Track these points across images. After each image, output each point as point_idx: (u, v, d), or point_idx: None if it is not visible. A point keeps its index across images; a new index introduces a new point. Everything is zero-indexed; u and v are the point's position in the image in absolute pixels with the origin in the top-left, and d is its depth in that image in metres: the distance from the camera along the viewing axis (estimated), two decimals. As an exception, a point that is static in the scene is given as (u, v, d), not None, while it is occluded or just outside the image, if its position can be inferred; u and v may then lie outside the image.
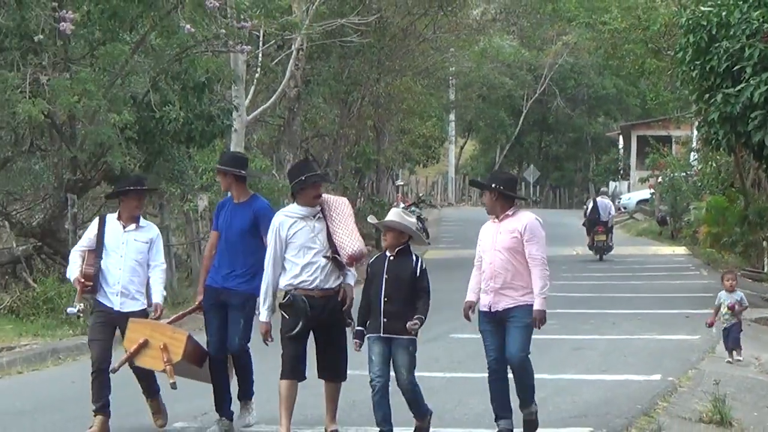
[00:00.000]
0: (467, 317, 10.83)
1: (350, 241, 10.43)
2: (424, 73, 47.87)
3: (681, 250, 40.26)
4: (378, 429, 10.43)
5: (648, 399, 13.42)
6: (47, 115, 19.98)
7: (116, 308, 10.88)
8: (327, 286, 10.40)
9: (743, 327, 17.20)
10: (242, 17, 22.92)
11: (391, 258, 10.37)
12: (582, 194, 70.87)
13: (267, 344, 10.64)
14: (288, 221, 10.43)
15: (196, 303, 11.44)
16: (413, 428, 10.53)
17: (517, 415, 10.93)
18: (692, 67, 26.19)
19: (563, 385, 14.59)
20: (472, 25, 50.05)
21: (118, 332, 11.01)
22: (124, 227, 11.10)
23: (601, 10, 51.87)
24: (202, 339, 11.31)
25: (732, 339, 16.36)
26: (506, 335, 10.63)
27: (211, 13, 22.04)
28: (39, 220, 22.85)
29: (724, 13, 25.23)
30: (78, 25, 19.78)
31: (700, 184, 42.93)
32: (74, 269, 11.05)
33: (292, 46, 30.25)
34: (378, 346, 10.22)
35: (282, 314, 10.43)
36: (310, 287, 10.34)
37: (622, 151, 68.68)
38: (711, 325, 16.72)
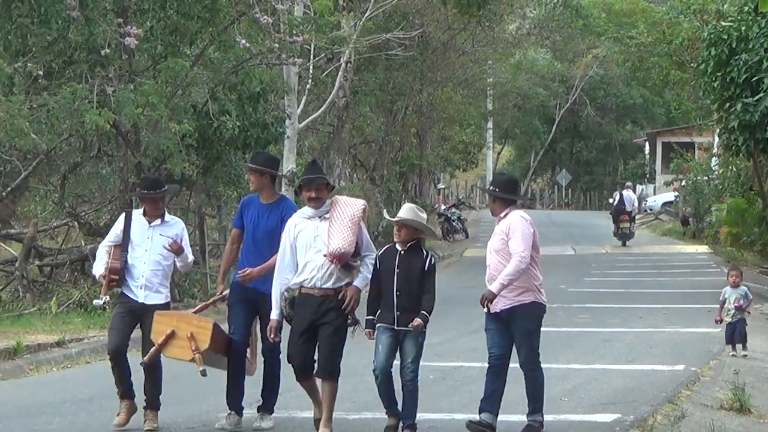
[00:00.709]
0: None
1: (335, 239, 9.94)
2: (463, 84, 47.80)
3: (703, 248, 39.99)
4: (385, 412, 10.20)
5: (672, 387, 13.35)
6: (113, 124, 20.01)
7: (140, 300, 10.60)
8: (326, 286, 9.95)
9: (757, 319, 17.07)
10: (294, 32, 22.88)
11: (402, 253, 10.08)
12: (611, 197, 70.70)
13: (275, 341, 10.26)
14: (296, 221, 10.14)
15: (218, 294, 11.01)
16: (401, 425, 10.12)
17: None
18: (714, 78, 26.09)
19: (593, 374, 14.57)
20: (508, 39, 50.08)
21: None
22: (150, 222, 10.79)
23: (629, 26, 51.89)
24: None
25: (739, 333, 16.09)
26: (514, 337, 10.37)
27: (265, 28, 22.02)
28: (105, 221, 22.86)
29: (743, 28, 25.12)
30: (142, 40, 19.83)
31: (721, 187, 42.72)
32: (99, 266, 10.77)
33: (341, 59, 30.21)
34: (387, 336, 9.94)
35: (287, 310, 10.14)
36: (309, 285, 9.97)
37: (648, 156, 68.27)
38: (719, 322, 16.40)
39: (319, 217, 10.05)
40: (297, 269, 10.06)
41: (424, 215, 10.41)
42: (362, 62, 34.62)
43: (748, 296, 16.30)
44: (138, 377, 10.69)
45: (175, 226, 10.91)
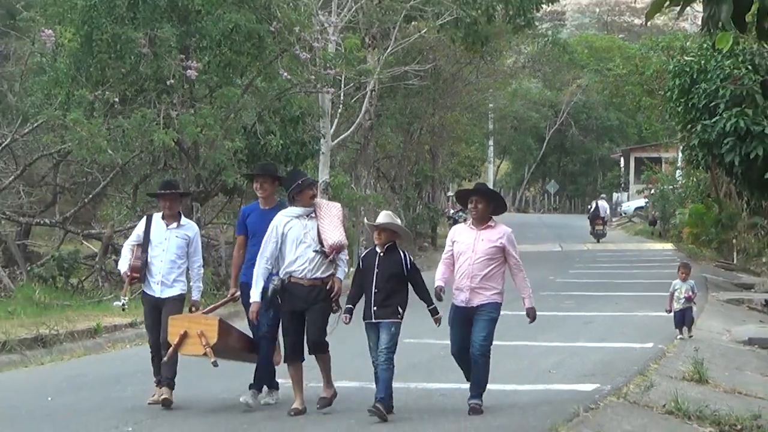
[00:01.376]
0: (439, 298, 9.75)
1: (332, 234, 9.71)
2: (468, 109, 47.75)
3: (669, 246, 39.92)
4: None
5: (642, 362, 13.29)
6: (177, 142, 20.05)
7: (157, 295, 10.23)
8: (315, 276, 9.65)
9: (713, 305, 16.92)
10: (328, 66, 22.92)
11: (381, 254, 9.64)
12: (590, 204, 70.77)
13: (255, 323, 9.93)
14: (285, 219, 9.72)
15: (229, 295, 10.60)
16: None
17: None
18: (678, 104, 26.07)
19: (576, 350, 14.53)
20: (506, 71, 50.18)
21: None
22: (167, 225, 10.38)
23: (607, 60, 51.90)
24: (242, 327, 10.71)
25: (688, 319, 15.82)
26: (473, 326, 9.79)
27: (303, 62, 22.11)
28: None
29: (702, 62, 25.09)
30: (200, 73, 19.91)
31: (683, 194, 42.77)
32: (124, 263, 10.49)
33: (367, 88, 30.18)
34: (373, 332, 9.54)
35: (277, 298, 9.73)
36: (299, 276, 9.63)
37: (623, 169, 68.12)
38: (670, 311, 15.99)
39: (307, 216, 9.78)
40: (279, 260, 9.75)
41: (398, 220, 10.09)
42: (384, 90, 34.61)
43: (694, 289, 16.13)
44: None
45: (190, 229, 10.55)
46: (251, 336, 10.34)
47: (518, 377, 12.01)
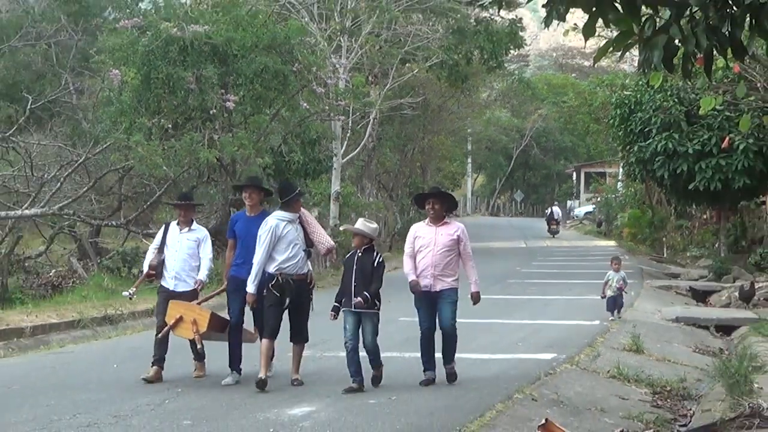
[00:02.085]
0: (418, 292, 9.41)
1: (325, 238, 9.50)
2: (451, 133, 47.78)
3: (612, 243, 39.85)
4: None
5: (591, 336, 13.27)
6: (218, 159, 20.03)
7: (171, 288, 9.89)
8: (301, 272, 9.27)
9: (648, 290, 16.83)
10: (339, 98, 22.94)
11: (360, 254, 9.13)
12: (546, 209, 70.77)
13: (252, 309, 9.34)
14: (282, 223, 9.21)
15: (220, 288, 10.06)
16: (371, 377, 9.22)
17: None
18: (619, 129, 26.15)
19: (537, 327, 14.47)
20: (481, 103, 50.34)
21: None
22: (180, 230, 10.08)
23: (562, 94, 51.80)
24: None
25: (619, 304, 15.50)
26: (439, 310, 9.42)
27: (319, 96, 22.10)
28: (213, 224, 22.90)
29: (638, 95, 25.15)
30: (237, 104, 19.88)
31: (623, 202, 42.77)
32: (145, 263, 10.26)
33: (370, 116, 30.22)
34: (351, 318, 9.03)
35: (268, 289, 9.16)
36: (291, 272, 9.17)
37: (575, 181, 68.12)
38: (603, 297, 15.55)
39: (296, 221, 9.34)
40: (276, 258, 9.19)
41: (373, 225, 9.38)
42: (384, 118, 34.61)
43: (625, 280, 15.83)
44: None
45: (199, 233, 10.14)
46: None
47: (491, 348, 11.99)
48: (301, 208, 9.56)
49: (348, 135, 27.99)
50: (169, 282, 9.97)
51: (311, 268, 9.58)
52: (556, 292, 20.40)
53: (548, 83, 66.17)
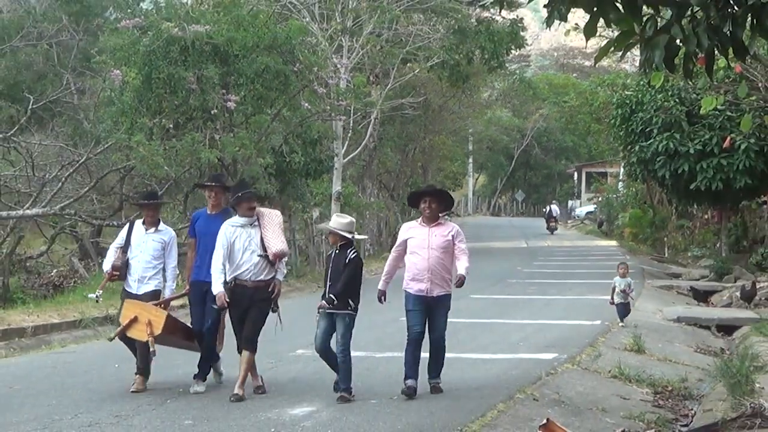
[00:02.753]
0: (381, 301, 9.03)
1: (275, 242, 8.81)
2: (452, 133, 47.78)
3: (613, 243, 39.86)
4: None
5: (592, 336, 13.30)
6: (219, 159, 20.03)
7: (134, 292, 9.36)
8: (258, 279, 8.77)
9: (650, 290, 16.80)
10: (340, 98, 22.94)
11: (336, 252, 8.73)
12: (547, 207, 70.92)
13: (226, 307, 8.79)
14: (231, 229, 8.82)
15: (182, 292, 9.59)
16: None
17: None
18: (620, 129, 26.11)
19: (538, 327, 14.48)
20: (482, 103, 50.35)
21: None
22: (146, 230, 9.53)
23: (563, 94, 51.80)
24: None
25: (626, 311, 15.48)
26: (434, 318, 8.92)
27: (320, 96, 22.10)
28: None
29: (640, 95, 25.13)
30: (238, 104, 19.88)
31: (624, 202, 42.79)
32: (107, 263, 9.65)
33: (371, 116, 30.22)
34: (324, 320, 8.59)
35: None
36: (245, 278, 8.75)
37: (576, 181, 68.12)
38: (612, 303, 15.23)
39: (251, 225, 8.88)
40: (230, 264, 8.81)
41: (345, 219, 8.85)
42: (385, 118, 34.64)
43: (631, 286, 15.61)
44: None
45: (166, 234, 9.62)
46: (192, 328, 9.49)
47: (492, 348, 11.99)
48: (265, 209, 9.22)
49: (349, 135, 27.98)
50: (132, 285, 9.47)
51: (280, 277, 9.03)
52: (557, 291, 20.38)
53: (549, 83, 66.19)
